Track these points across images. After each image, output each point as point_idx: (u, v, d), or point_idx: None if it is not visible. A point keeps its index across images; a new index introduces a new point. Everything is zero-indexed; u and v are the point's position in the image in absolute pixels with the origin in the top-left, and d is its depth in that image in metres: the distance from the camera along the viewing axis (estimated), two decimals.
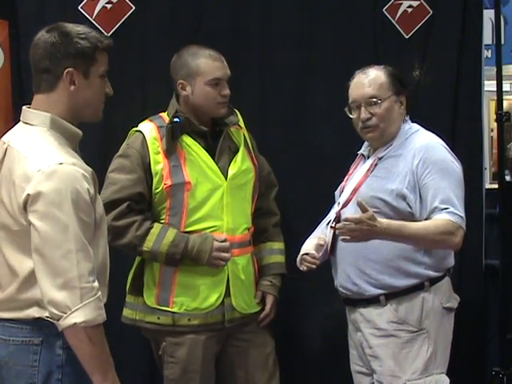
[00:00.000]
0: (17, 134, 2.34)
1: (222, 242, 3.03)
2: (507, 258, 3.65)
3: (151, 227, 3.04)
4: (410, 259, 2.86)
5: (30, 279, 2.21)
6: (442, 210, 2.80)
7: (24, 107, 2.36)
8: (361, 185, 2.93)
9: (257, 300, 3.23)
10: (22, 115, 2.36)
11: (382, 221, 2.75)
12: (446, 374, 2.96)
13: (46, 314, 2.19)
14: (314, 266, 2.96)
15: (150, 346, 3.26)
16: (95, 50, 2.31)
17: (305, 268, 2.98)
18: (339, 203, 3.02)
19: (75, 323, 2.14)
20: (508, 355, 3.63)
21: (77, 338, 2.17)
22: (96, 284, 2.19)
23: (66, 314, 2.14)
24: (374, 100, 2.92)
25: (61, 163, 2.19)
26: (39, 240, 2.16)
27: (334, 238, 2.97)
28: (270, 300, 3.24)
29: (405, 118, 3.01)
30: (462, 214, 2.83)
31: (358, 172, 3.03)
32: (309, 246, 3.02)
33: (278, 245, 3.31)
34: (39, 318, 2.22)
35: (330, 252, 2.99)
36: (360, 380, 3.04)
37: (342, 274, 2.97)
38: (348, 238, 2.75)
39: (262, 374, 3.19)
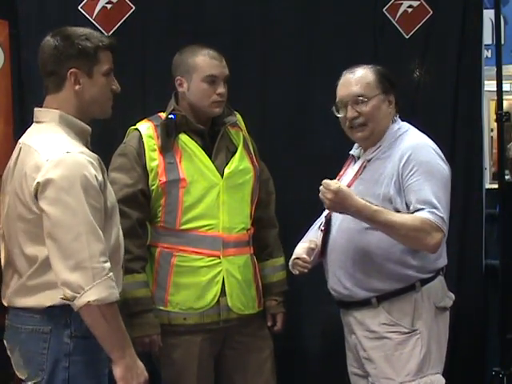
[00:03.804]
0: (29, 133, 2.48)
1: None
2: (507, 258, 3.65)
3: (139, 272, 3.01)
4: (399, 262, 2.82)
5: (43, 265, 2.32)
6: (423, 209, 2.73)
7: (35, 109, 2.50)
8: (349, 187, 2.90)
9: (269, 324, 3.25)
10: (34, 116, 2.50)
11: (358, 201, 2.73)
12: (446, 374, 2.95)
13: (58, 300, 2.27)
14: (305, 270, 2.95)
15: None
16: (97, 50, 2.44)
17: (297, 272, 2.98)
18: None
19: (89, 301, 2.23)
20: (508, 355, 3.63)
21: (92, 317, 2.27)
22: (107, 264, 2.29)
23: (79, 293, 2.24)
24: (361, 98, 2.88)
25: (68, 152, 2.31)
26: (50, 225, 2.27)
27: (325, 240, 2.96)
28: (280, 318, 3.27)
29: (394, 117, 2.95)
30: (444, 216, 2.74)
31: (347, 174, 3.00)
32: (300, 250, 3.00)
33: (280, 260, 3.29)
34: (50, 307, 2.32)
35: (320, 255, 2.98)
36: (356, 382, 3.02)
37: (332, 277, 2.95)
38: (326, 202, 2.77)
39: (259, 379, 3.18)
